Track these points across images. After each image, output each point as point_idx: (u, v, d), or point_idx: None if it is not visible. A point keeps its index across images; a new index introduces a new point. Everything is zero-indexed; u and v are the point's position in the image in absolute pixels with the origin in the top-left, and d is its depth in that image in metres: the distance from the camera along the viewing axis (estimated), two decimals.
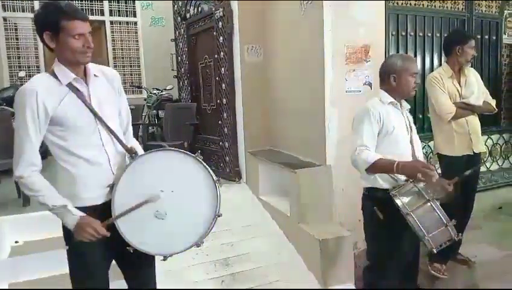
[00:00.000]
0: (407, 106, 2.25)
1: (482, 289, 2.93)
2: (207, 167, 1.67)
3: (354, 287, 2.86)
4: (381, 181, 2.10)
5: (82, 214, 1.61)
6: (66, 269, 2.71)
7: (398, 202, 1.97)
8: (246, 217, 3.45)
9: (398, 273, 2.20)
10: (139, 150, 1.81)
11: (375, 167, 2.00)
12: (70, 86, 1.60)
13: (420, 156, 2.21)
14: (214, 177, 1.65)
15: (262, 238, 3.33)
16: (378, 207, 2.09)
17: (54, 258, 2.80)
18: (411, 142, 2.19)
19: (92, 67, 1.68)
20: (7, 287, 2.65)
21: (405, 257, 2.23)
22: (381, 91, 2.21)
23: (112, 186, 1.65)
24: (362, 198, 2.26)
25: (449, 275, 2.99)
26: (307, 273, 2.95)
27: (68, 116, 1.58)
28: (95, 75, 1.67)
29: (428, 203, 1.94)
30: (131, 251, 1.63)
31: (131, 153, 1.72)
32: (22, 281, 2.68)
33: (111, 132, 1.67)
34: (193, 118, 4.69)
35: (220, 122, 4.24)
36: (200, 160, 1.66)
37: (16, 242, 2.99)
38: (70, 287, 2.57)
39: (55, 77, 1.59)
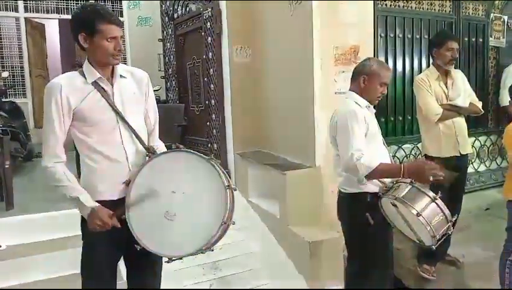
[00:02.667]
0: (373, 109, 2.20)
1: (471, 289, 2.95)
2: (220, 171, 1.65)
3: (343, 289, 2.85)
4: (371, 185, 2.04)
5: (94, 205, 1.65)
6: (50, 274, 2.68)
7: (403, 206, 1.89)
8: (235, 220, 3.41)
9: (385, 274, 2.20)
10: (163, 150, 1.86)
11: (376, 172, 1.93)
12: (95, 84, 1.68)
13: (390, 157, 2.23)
14: (225, 183, 1.63)
15: (251, 241, 3.30)
16: (368, 211, 2.03)
17: (38, 263, 2.75)
18: (383, 143, 2.19)
19: (120, 68, 1.75)
20: None
21: (392, 256, 2.23)
22: (352, 93, 2.15)
23: (128, 183, 1.69)
24: (345, 203, 2.19)
25: (438, 275, 3.00)
26: (296, 275, 2.93)
27: (90, 112, 1.65)
28: (121, 75, 1.74)
29: (434, 203, 1.88)
30: (138, 249, 1.65)
31: (150, 152, 1.76)
32: (6, 287, 2.61)
33: (132, 130, 1.72)
34: (181, 119, 4.65)
35: (208, 123, 4.21)
36: (214, 164, 1.65)
37: None
38: None
39: (83, 75, 1.68)
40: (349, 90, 2.20)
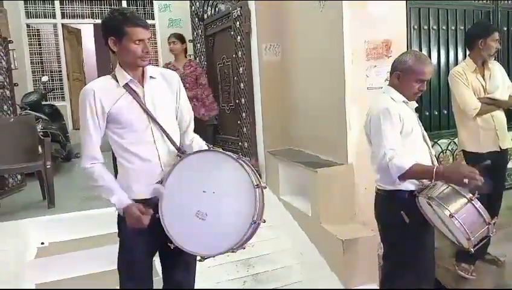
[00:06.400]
0: (414, 104, 2.13)
1: None
2: (248, 171, 1.67)
3: (377, 288, 2.80)
4: (408, 183, 1.98)
5: (129, 202, 1.69)
6: (91, 270, 2.78)
7: (438, 206, 1.83)
8: (267, 218, 3.42)
9: (422, 275, 2.14)
10: (201, 144, 1.90)
11: (409, 173, 1.88)
12: (127, 86, 1.73)
13: (432, 153, 2.14)
14: (254, 182, 1.64)
15: (284, 239, 3.30)
16: (404, 210, 1.99)
17: (79, 259, 2.87)
18: (425, 140, 2.11)
19: (150, 69, 1.79)
20: (34, 288, 2.70)
21: (433, 257, 2.17)
22: (389, 88, 2.09)
23: (161, 183, 1.73)
24: (381, 201, 2.14)
25: (477, 275, 2.89)
26: (329, 273, 2.91)
27: (123, 114, 1.70)
28: (151, 77, 1.78)
29: (470, 204, 1.79)
30: (172, 247, 1.69)
31: (180, 152, 1.79)
32: (49, 282, 2.73)
33: (163, 130, 1.76)
34: (212, 118, 4.70)
35: (239, 122, 4.24)
36: (242, 163, 1.67)
37: (42, 243, 3.05)
38: (95, 287, 2.63)
39: (115, 79, 1.74)
40: (388, 84, 2.15)
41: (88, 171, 1.72)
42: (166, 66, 4.33)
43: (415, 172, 1.89)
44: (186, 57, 4.40)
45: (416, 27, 3.68)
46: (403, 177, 1.90)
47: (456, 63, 3.76)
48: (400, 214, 2.00)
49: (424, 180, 1.97)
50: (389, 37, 3.02)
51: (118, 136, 1.73)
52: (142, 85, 1.75)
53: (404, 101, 2.05)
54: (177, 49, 4.27)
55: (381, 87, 2.97)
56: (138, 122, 1.73)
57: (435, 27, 3.77)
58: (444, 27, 3.81)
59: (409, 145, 1.99)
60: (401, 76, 2.03)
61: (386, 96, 2.06)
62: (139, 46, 1.67)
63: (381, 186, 2.12)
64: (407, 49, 3.35)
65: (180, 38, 4.32)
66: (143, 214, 1.65)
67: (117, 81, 1.73)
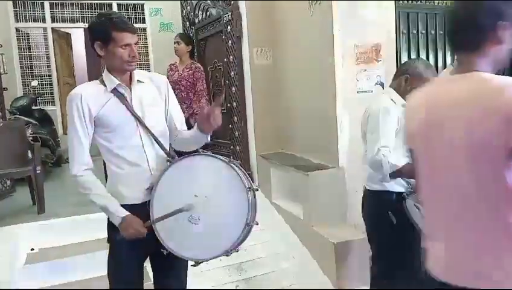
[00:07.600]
0: None
1: None
2: (240, 174, 1.66)
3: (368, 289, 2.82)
4: (396, 184, 2.02)
5: (125, 213, 1.68)
6: (81, 276, 2.76)
7: None
8: (259, 221, 3.42)
9: (411, 275, 2.15)
10: (189, 131, 1.84)
11: (401, 171, 1.91)
12: (114, 91, 1.71)
13: None
14: (246, 185, 1.64)
15: (276, 243, 3.31)
16: (392, 210, 2.02)
17: (69, 265, 2.84)
18: None
19: (138, 73, 1.77)
20: None
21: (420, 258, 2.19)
22: (390, 89, 2.13)
23: (151, 188, 1.71)
24: (369, 201, 2.17)
25: None
26: (321, 276, 2.92)
27: (110, 118, 1.69)
28: (138, 80, 1.76)
29: None
30: (165, 253, 1.68)
31: (170, 156, 1.78)
32: (38, 289, 2.70)
33: (151, 134, 1.74)
34: None
35: (230, 126, 4.24)
36: (233, 166, 1.67)
37: (32, 249, 3.02)
38: None
39: (103, 83, 1.72)
40: (390, 85, 2.17)
41: (80, 179, 1.69)
42: (170, 66, 4.23)
43: (407, 171, 1.91)
44: (192, 59, 4.26)
45: (405, 31, 3.72)
46: (394, 175, 1.93)
47: (444, 66, 3.82)
48: (387, 215, 2.02)
49: (413, 183, 1.99)
50: (379, 42, 3.05)
51: (106, 141, 1.71)
52: (130, 89, 1.74)
53: (403, 105, 2.08)
54: (180, 49, 4.11)
55: (371, 91, 3.02)
56: (126, 126, 1.71)
57: (423, 31, 3.82)
58: (433, 31, 3.86)
59: (400, 147, 2.02)
60: (409, 79, 2.05)
61: (387, 97, 2.09)
62: (125, 50, 1.66)
63: (369, 185, 2.14)
64: (397, 53, 3.40)
65: (185, 38, 4.17)
66: (141, 231, 1.67)
67: (105, 85, 1.72)
